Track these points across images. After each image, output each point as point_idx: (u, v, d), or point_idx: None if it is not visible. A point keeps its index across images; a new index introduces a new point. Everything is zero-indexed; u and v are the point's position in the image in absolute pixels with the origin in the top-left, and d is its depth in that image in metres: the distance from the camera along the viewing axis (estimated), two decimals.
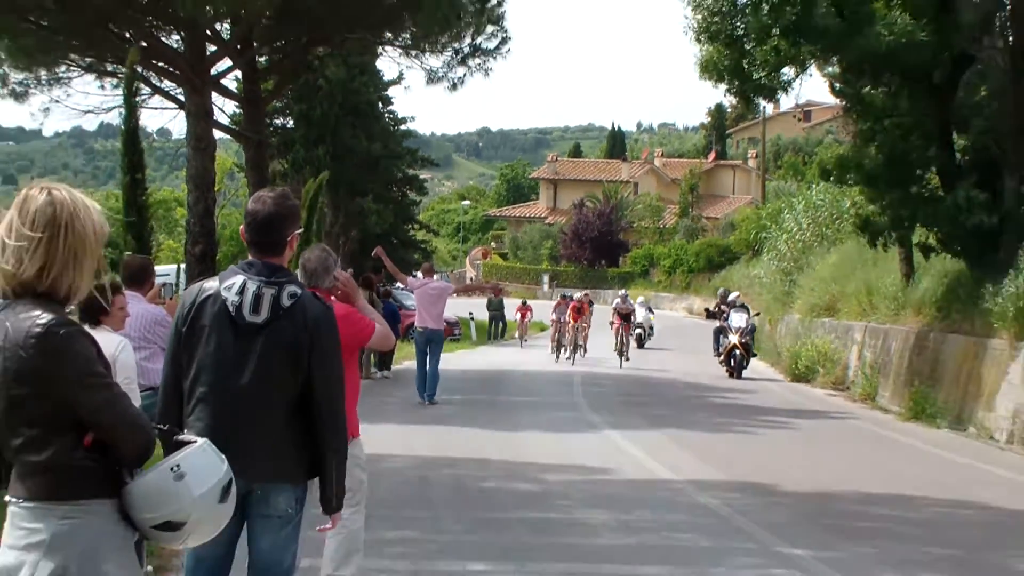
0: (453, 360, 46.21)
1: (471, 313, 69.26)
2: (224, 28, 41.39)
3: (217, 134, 43.66)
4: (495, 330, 68.04)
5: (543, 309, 69.60)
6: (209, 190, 39.16)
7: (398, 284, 39.97)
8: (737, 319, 43.72)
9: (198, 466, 5.61)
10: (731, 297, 47.08)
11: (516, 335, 62.63)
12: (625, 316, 50.82)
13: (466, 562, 14.17)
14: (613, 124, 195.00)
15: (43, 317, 5.27)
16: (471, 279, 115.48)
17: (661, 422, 29.16)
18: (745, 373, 44.26)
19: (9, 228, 5.35)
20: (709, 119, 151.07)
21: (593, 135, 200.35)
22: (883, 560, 14.99)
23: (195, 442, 5.74)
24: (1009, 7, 32.00)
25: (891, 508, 19.02)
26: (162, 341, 9.70)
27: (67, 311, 5.56)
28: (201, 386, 7.79)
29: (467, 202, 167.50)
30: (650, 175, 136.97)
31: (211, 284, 8.00)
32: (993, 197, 31.56)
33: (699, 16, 32.58)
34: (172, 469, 5.51)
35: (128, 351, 10.92)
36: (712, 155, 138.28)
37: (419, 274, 35.97)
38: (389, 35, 45.40)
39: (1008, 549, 16.05)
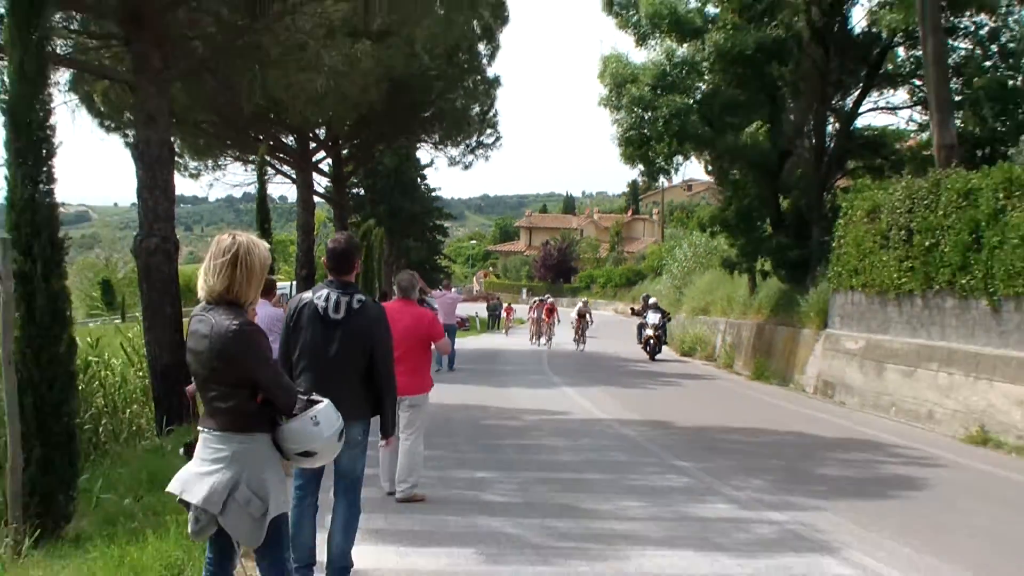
0: (465, 343, 46.30)
1: (476, 312, 69.90)
2: (321, 132, 41.65)
3: (316, 199, 44.02)
4: (492, 323, 68.36)
5: (523, 310, 70.11)
6: (311, 234, 39.81)
7: (428, 295, 40.29)
8: (652, 317, 39.88)
9: (326, 417, 6.03)
10: (651, 301, 42.30)
11: (504, 327, 62.37)
12: (581, 315, 46.88)
13: (474, 471, 14.25)
14: (567, 192, 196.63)
15: (238, 319, 5.78)
16: (476, 291, 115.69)
17: (599, 382, 29.14)
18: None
19: (209, 259, 5.81)
20: (628, 189, 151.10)
21: (555, 199, 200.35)
22: (738, 468, 15.03)
23: (322, 401, 6.10)
24: (813, 122, 32.24)
25: (743, 436, 19.07)
26: (279, 332, 9.94)
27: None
28: (303, 360, 8.21)
29: (474, 241, 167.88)
30: (591, 225, 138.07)
31: (307, 295, 8.46)
32: (803, 240, 31.83)
33: (620, 130, 32.87)
34: (312, 419, 5.95)
35: None
36: (630, 212, 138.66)
37: (442, 288, 36.61)
38: (424, 136, 45.87)
39: (814, 460, 16.10)
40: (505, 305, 67.75)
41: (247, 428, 5.86)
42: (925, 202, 21.14)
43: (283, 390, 5.93)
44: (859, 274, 23.93)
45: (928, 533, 11.03)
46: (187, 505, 5.94)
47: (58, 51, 20.80)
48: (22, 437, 9.31)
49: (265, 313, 13.27)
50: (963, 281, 19.53)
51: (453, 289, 41.36)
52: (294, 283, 39.79)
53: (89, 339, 19.67)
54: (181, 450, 13.08)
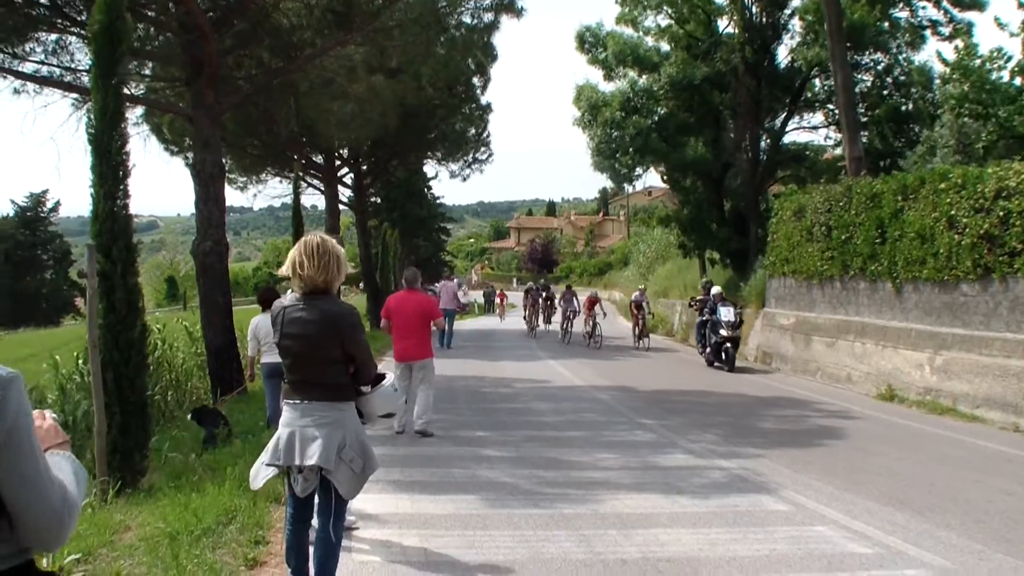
0: (466, 324, 46.32)
1: (475, 299, 69.67)
2: (344, 152, 41.72)
3: (341, 207, 44.03)
4: (488, 308, 67.80)
5: (515, 296, 69.65)
6: (336, 236, 39.56)
7: (431, 286, 39.82)
8: (726, 313, 24.91)
9: (399, 385, 6.29)
10: (714, 291, 26.54)
11: (499, 313, 61.35)
12: (638, 305, 32.92)
13: (474, 431, 14.20)
14: (549, 198, 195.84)
15: (344, 305, 5.92)
16: (474, 281, 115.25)
17: (575, 355, 29.05)
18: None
19: (301, 257, 5.76)
20: (599, 194, 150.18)
21: (539, 204, 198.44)
22: (693, 424, 15.04)
23: (388, 374, 6.27)
24: (749, 139, 32.39)
25: (696, 398, 19.05)
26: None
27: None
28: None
29: (472, 240, 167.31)
30: (568, 225, 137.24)
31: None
32: (744, 235, 31.97)
33: (593, 144, 33.02)
34: (392, 387, 6.14)
35: None
36: (601, 214, 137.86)
37: (444, 279, 36.57)
38: (430, 154, 46.01)
39: (755, 416, 16.12)
40: (499, 291, 66.93)
41: (344, 397, 5.90)
42: (840, 204, 21.26)
43: (373, 365, 6.02)
44: (789, 263, 23.99)
45: (847, 473, 11.06)
46: (290, 469, 5.96)
47: (133, 92, 20.92)
48: (105, 406, 9.45)
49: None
50: (872, 268, 19.71)
51: (454, 279, 41.44)
52: None
53: (158, 326, 19.62)
54: (189, 416, 13.15)
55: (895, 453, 12.66)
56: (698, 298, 28.21)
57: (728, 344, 24.52)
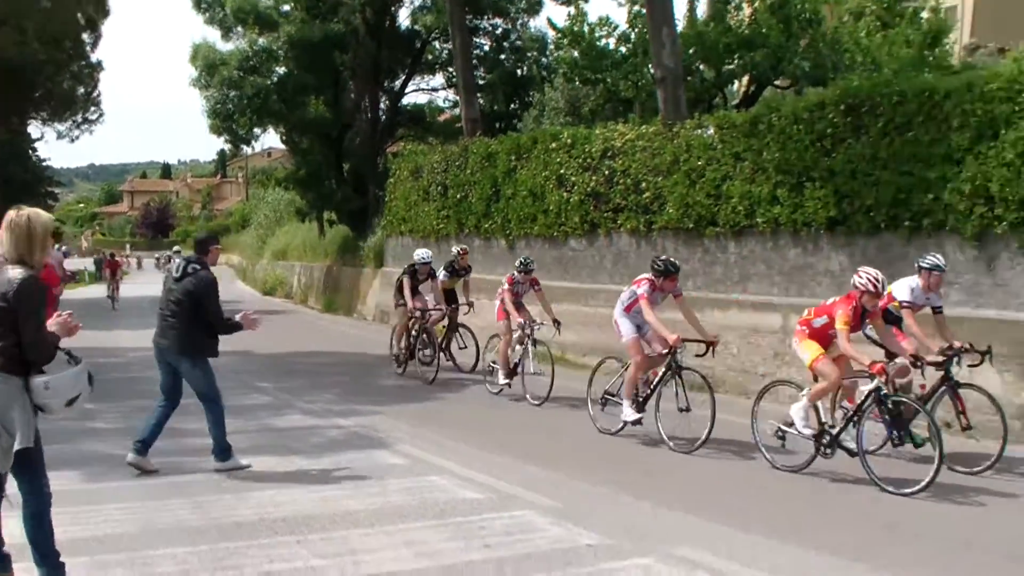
0: (76, 294, 43.94)
1: (85, 267, 65.62)
2: None
3: None
4: (99, 275, 62.78)
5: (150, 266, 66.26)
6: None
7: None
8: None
9: (60, 386, 5.75)
10: None
11: (110, 289, 56.43)
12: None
13: (82, 403, 13.56)
14: (164, 160, 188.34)
15: (26, 273, 5.51)
16: (84, 248, 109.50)
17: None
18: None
19: (4, 230, 5.58)
20: (217, 156, 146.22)
21: (154, 166, 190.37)
22: (311, 385, 15.07)
23: (68, 371, 5.88)
24: (368, 100, 32.67)
25: (315, 358, 19.27)
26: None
27: None
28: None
29: (82, 205, 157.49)
30: (185, 188, 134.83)
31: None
32: (363, 195, 32.33)
33: (208, 104, 32.25)
34: (44, 383, 5.64)
35: None
36: (219, 176, 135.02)
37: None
38: (35, 114, 43.25)
39: (374, 375, 16.36)
40: (107, 257, 59.63)
41: (6, 369, 5.49)
42: (457, 163, 21.91)
43: (38, 346, 5.58)
44: (406, 222, 24.48)
45: (462, 424, 11.64)
46: None
47: None
48: None
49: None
50: (486, 226, 20.52)
51: (61, 248, 39.20)
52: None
53: None
54: None
55: (509, 405, 13.22)
56: None
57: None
